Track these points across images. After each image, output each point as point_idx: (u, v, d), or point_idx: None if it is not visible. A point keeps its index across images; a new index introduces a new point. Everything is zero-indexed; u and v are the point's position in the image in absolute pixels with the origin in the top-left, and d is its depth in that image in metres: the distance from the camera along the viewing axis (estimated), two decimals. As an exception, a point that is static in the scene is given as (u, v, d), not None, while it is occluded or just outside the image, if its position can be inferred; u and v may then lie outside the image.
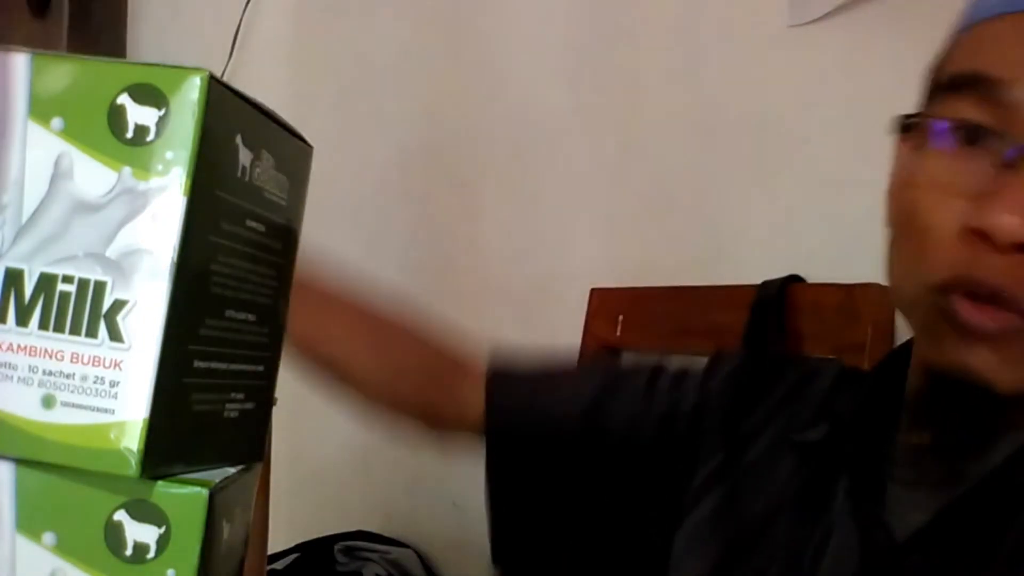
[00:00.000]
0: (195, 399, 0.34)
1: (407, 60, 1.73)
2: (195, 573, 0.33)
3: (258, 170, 0.36)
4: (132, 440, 0.32)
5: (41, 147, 0.33)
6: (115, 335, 0.32)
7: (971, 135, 0.49)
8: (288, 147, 0.38)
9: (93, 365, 0.32)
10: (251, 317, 0.37)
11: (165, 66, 0.32)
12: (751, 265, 1.14)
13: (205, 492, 0.33)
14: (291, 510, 1.73)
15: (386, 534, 1.65)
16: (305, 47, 1.95)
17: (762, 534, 0.59)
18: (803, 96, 1.12)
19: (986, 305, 0.48)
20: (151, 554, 0.32)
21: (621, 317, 1.28)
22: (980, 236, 0.47)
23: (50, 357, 0.32)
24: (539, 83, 1.47)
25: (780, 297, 1.07)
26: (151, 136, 0.32)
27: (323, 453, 1.87)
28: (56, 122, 0.33)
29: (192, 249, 0.32)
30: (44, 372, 0.32)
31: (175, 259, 0.32)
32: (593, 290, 1.32)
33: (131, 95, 0.32)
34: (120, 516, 0.33)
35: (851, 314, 0.99)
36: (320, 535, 1.63)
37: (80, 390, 0.32)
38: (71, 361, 0.32)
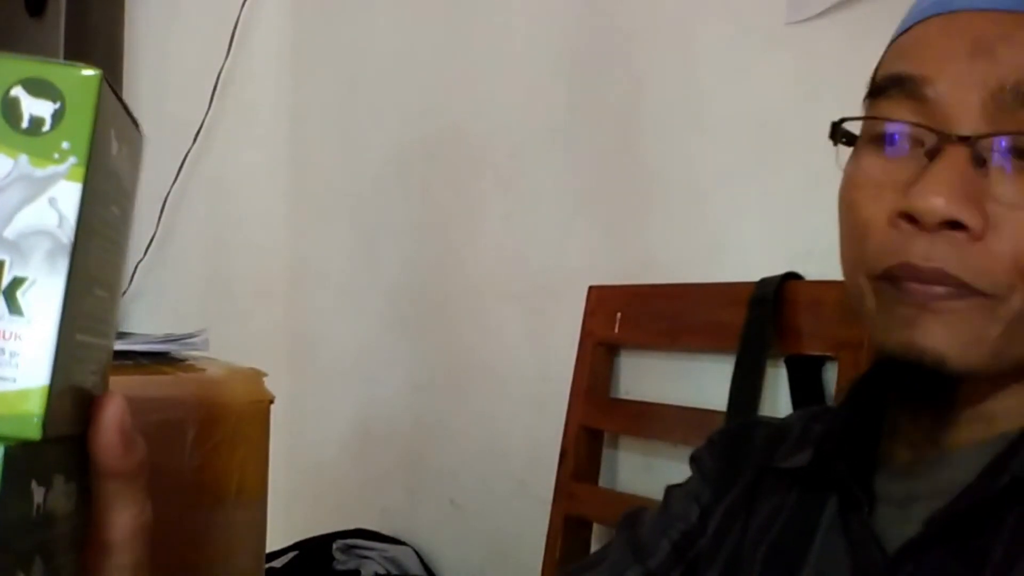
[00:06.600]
0: (77, 371, 0.37)
1: (405, 58, 1.73)
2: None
3: (120, 159, 0.39)
4: (36, 405, 0.34)
5: None
6: (15, 309, 0.34)
7: (900, 133, 0.52)
8: (134, 135, 0.41)
9: None
10: (106, 295, 0.40)
11: (58, 63, 0.35)
12: (749, 262, 1.14)
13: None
14: (289, 508, 1.73)
15: (384, 532, 1.65)
16: (302, 47, 1.95)
17: (751, 559, 0.60)
18: (800, 93, 1.12)
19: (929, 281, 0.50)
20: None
21: (619, 314, 1.28)
22: (909, 220, 0.50)
23: None
24: (537, 81, 1.47)
25: (778, 294, 1.07)
26: (47, 127, 0.35)
27: (321, 452, 1.87)
28: None
29: (83, 231, 0.35)
30: None
31: (72, 240, 0.35)
32: (591, 288, 1.32)
33: (25, 88, 0.35)
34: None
35: (849, 311, 0.99)
36: (318, 533, 1.63)
37: None
38: None
